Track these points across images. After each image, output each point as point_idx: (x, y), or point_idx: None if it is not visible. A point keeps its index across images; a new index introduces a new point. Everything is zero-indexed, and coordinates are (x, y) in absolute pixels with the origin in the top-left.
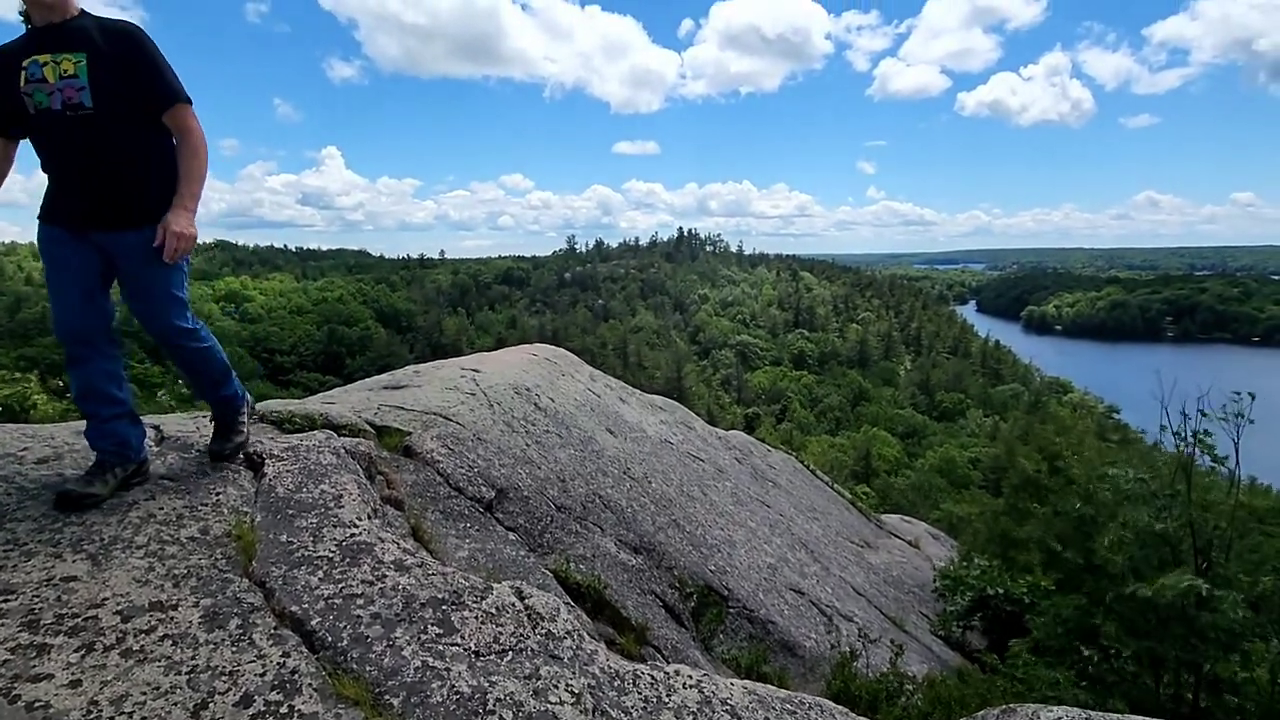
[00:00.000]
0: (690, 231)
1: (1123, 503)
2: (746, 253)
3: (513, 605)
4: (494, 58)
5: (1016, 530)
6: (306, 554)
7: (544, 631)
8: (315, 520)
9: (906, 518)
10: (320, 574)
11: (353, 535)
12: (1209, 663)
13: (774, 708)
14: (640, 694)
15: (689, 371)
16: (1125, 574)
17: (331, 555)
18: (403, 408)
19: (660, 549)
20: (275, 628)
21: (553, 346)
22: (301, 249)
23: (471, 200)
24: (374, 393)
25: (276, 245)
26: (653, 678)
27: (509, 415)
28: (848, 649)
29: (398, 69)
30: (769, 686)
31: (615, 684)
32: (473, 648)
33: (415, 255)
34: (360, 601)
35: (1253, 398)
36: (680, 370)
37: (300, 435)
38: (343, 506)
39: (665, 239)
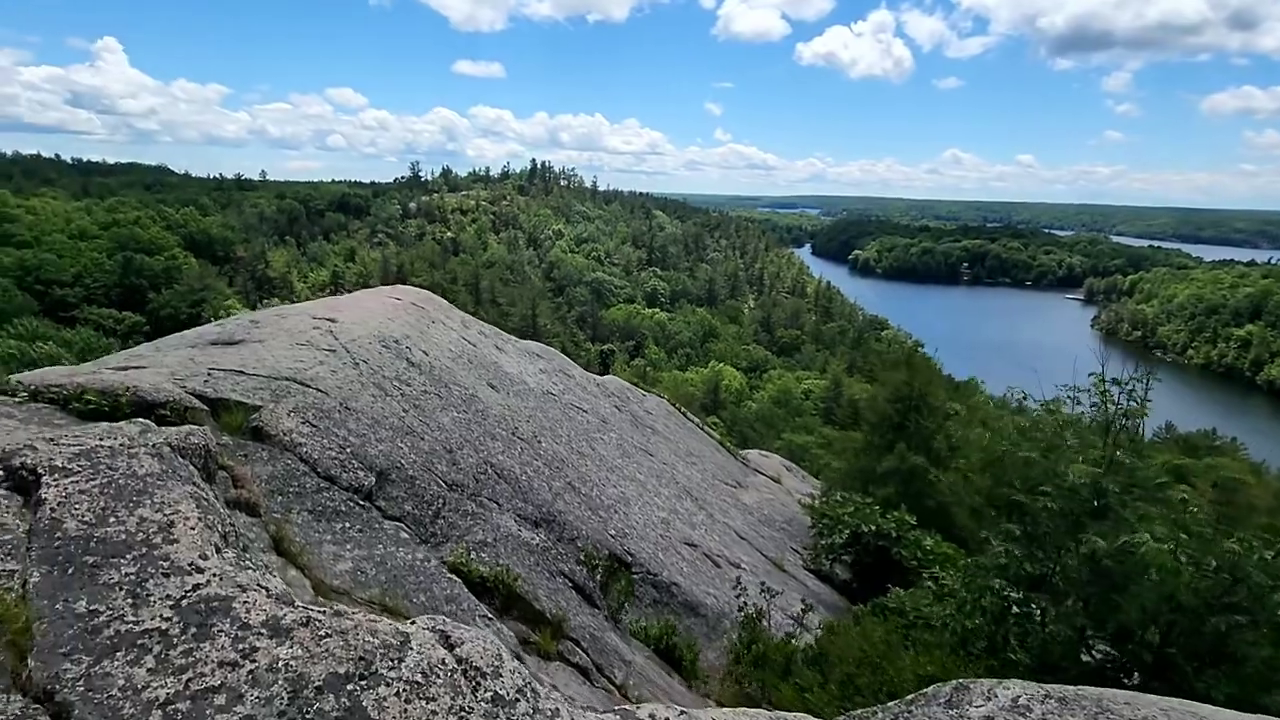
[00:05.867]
0: (544, 164)
1: (1061, 458)
2: (600, 189)
3: (442, 662)
4: None
5: (876, 464)
6: (122, 630)
7: (488, 694)
8: (134, 569)
9: (764, 452)
10: (150, 663)
11: (197, 587)
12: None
13: None
14: None
15: (544, 309)
16: (1057, 526)
17: (165, 627)
18: (243, 372)
19: (561, 519)
20: None
21: (417, 289)
22: (80, 160)
23: (294, 115)
24: (199, 350)
25: (44, 154)
26: None
27: (379, 375)
28: (751, 607)
29: None
30: (754, 710)
31: None
32: None
33: (230, 175)
34: (221, 701)
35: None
36: (535, 308)
37: (99, 429)
38: (176, 540)
39: (518, 170)
